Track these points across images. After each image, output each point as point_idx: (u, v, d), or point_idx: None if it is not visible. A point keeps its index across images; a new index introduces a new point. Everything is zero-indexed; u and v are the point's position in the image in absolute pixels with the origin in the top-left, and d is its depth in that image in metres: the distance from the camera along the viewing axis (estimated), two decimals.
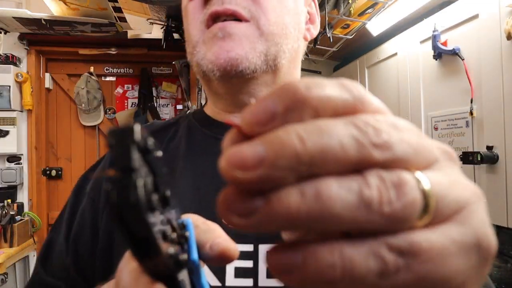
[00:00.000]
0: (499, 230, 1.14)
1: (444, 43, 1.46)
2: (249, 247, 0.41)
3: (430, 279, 0.14)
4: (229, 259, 0.21)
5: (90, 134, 2.64)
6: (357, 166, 0.14)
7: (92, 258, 0.46)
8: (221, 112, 0.52)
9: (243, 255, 0.40)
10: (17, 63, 2.32)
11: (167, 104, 2.70)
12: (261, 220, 0.13)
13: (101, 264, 0.46)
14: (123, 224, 0.13)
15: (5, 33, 2.11)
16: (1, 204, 2.16)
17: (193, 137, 0.51)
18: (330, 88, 0.15)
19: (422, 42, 1.62)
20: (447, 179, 0.15)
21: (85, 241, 0.48)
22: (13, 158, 2.33)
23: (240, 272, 0.40)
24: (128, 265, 0.20)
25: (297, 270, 0.13)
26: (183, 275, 0.18)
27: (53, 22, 1.89)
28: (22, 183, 2.34)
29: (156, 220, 0.14)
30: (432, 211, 0.14)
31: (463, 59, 1.36)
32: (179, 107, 2.70)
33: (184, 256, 0.18)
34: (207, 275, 0.39)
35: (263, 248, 0.41)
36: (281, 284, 0.14)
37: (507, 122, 1.19)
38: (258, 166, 0.13)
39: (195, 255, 0.19)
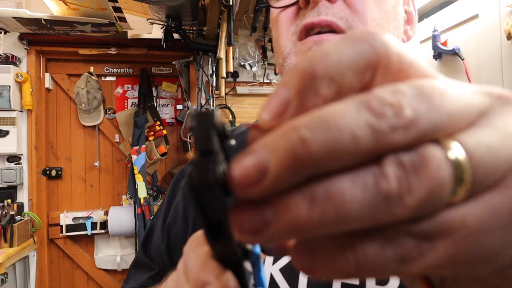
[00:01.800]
0: None
1: (444, 43, 1.47)
2: None
3: (466, 258, 0.13)
4: (286, 251, 0.20)
5: (90, 134, 2.64)
6: (375, 155, 0.12)
7: (183, 246, 0.51)
8: None
9: None
10: (17, 63, 2.32)
11: (167, 104, 2.70)
12: (274, 234, 0.12)
13: None
14: (199, 205, 0.14)
15: (5, 33, 2.10)
16: (1, 204, 2.16)
17: None
18: (340, 50, 0.13)
19: (422, 42, 1.62)
20: (495, 135, 0.13)
21: (177, 231, 0.52)
22: (13, 158, 2.32)
23: (313, 285, 0.40)
24: (196, 250, 0.20)
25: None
26: (248, 267, 0.19)
27: (53, 22, 1.89)
28: (22, 183, 2.34)
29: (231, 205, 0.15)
30: (468, 183, 0.12)
31: (463, 59, 1.36)
32: (179, 107, 2.70)
33: (249, 246, 0.19)
34: (281, 284, 0.41)
35: None
36: None
37: None
38: (261, 180, 0.12)
39: (257, 248, 0.20)
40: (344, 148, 0.12)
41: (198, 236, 0.22)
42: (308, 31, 0.41)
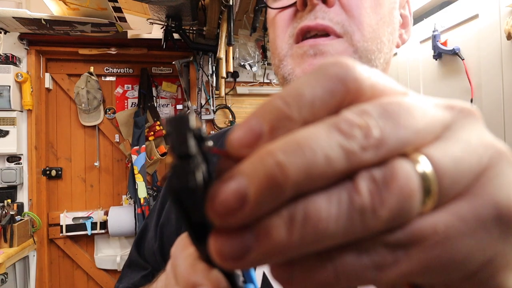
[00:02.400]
0: None
1: (444, 43, 1.47)
2: None
3: (438, 264, 0.13)
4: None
5: (90, 134, 2.64)
6: (349, 173, 0.13)
7: None
8: None
9: None
10: (17, 63, 2.32)
11: (167, 104, 2.70)
12: (256, 258, 0.13)
13: None
14: (182, 209, 0.14)
15: (5, 33, 2.10)
16: (1, 204, 2.16)
17: None
18: (312, 90, 0.14)
19: (422, 42, 1.62)
20: (458, 147, 0.14)
21: (170, 230, 0.53)
22: (13, 158, 2.32)
23: None
24: (183, 252, 0.21)
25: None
26: None
27: (53, 22, 1.88)
28: (22, 183, 2.34)
29: None
30: (435, 194, 0.13)
31: (463, 59, 1.36)
32: (179, 107, 2.70)
33: None
34: (274, 282, 0.41)
35: None
36: None
37: (507, 122, 1.19)
38: (241, 208, 0.12)
39: None
40: (319, 169, 0.12)
41: (184, 238, 0.22)
42: (305, 34, 0.42)
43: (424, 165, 0.13)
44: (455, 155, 0.14)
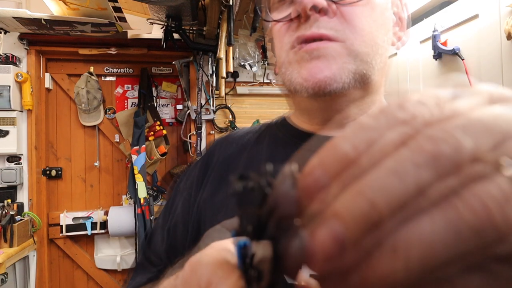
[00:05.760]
0: None
1: (444, 43, 1.46)
2: None
3: None
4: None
5: (90, 134, 2.64)
6: (449, 191, 0.12)
7: (184, 249, 0.52)
8: (307, 122, 0.52)
9: None
10: (17, 63, 2.32)
11: (167, 104, 2.70)
12: None
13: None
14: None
15: (5, 33, 2.10)
16: (1, 204, 2.16)
17: (276, 143, 0.54)
18: (378, 128, 0.13)
19: (422, 42, 1.62)
20: None
21: (178, 234, 0.53)
22: (13, 158, 2.32)
23: None
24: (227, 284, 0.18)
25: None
26: None
27: (53, 22, 1.88)
28: (22, 183, 2.34)
29: None
30: None
31: (463, 59, 1.36)
32: (179, 107, 2.70)
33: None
34: None
35: None
36: None
37: None
38: (340, 253, 0.12)
39: None
40: (413, 198, 0.12)
41: (224, 264, 0.20)
42: (301, 42, 0.43)
43: None
44: None
